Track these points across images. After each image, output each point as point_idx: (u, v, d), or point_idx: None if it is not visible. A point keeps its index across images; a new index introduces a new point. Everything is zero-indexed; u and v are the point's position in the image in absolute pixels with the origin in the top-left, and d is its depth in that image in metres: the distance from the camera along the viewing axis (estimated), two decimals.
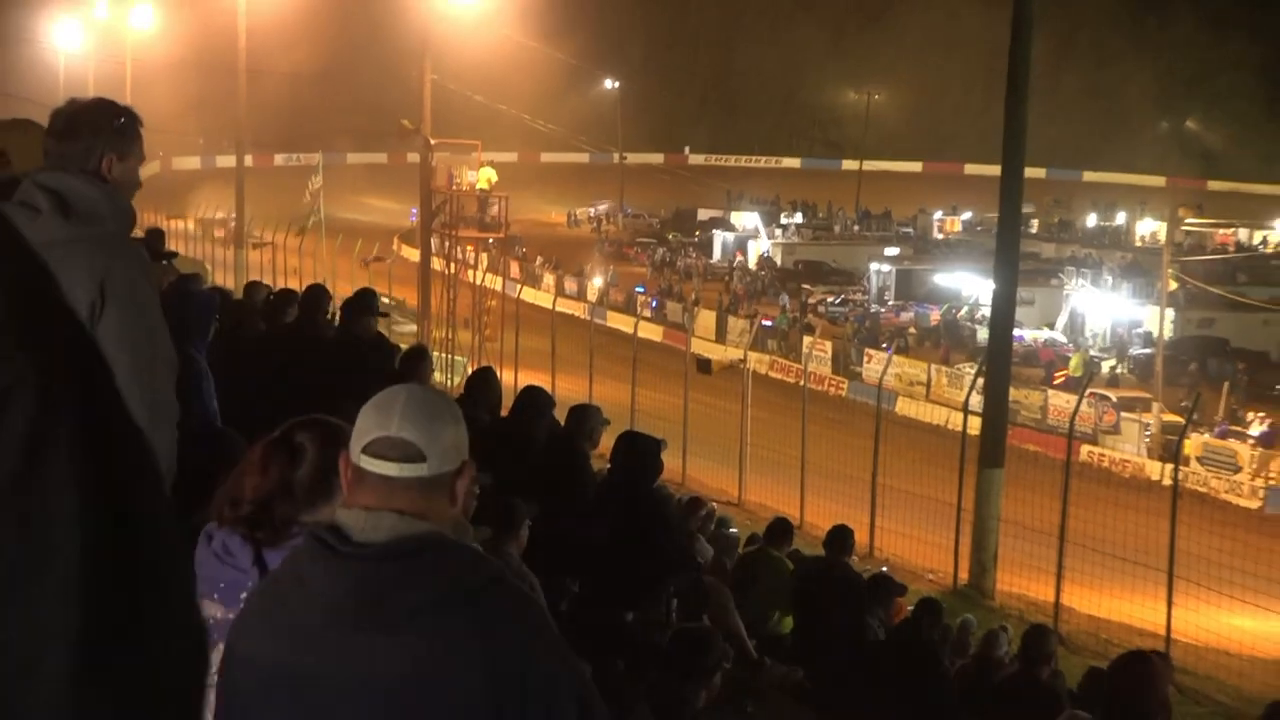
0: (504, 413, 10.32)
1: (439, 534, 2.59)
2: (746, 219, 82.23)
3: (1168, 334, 45.53)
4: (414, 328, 38.00)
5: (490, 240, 44.81)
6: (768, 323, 52.74)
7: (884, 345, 47.15)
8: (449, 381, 28.73)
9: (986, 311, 34.48)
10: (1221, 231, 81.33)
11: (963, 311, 57.27)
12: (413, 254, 50.62)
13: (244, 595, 3.12)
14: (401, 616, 2.52)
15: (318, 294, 11.24)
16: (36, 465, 1.18)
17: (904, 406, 38.69)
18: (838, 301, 61.86)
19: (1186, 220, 73.54)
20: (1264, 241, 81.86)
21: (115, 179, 4.19)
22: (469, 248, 42.69)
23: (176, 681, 1.28)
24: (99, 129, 4.21)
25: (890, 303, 61.54)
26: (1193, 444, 34.84)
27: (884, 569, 18.33)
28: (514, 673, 2.54)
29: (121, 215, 4.19)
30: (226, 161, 65.72)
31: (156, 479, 1.29)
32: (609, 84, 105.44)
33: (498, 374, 11.64)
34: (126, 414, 1.27)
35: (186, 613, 1.32)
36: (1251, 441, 38.12)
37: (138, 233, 11.79)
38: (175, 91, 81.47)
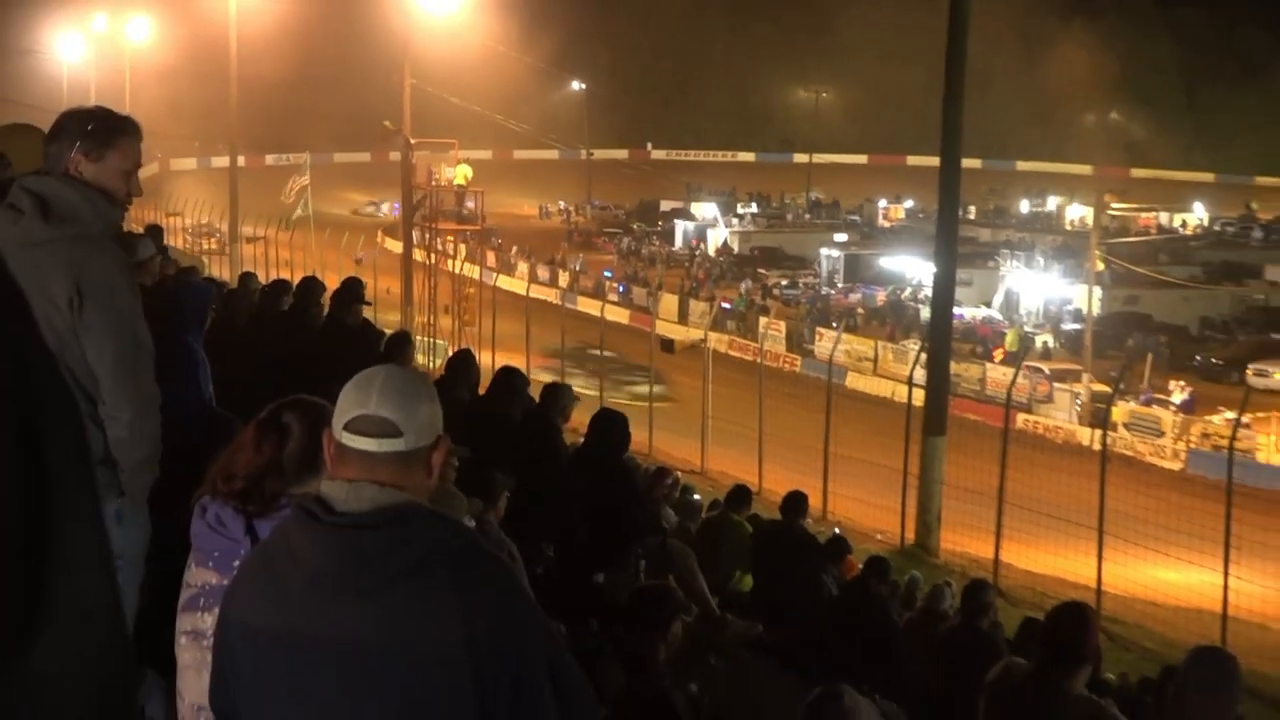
0: (482, 391, 10.30)
1: (416, 504, 2.59)
2: (706, 209, 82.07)
3: (1096, 311, 45.67)
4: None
5: (468, 232, 44.62)
6: (726, 305, 52.66)
7: (834, 324, 47.06)
8: (431, 363, 28.64)
9: (928, 292, 34.52)
10: (1144, 215, 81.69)
11: (906, 292, 57.37)
12: (396, 246, 50.35)
13: (236, 563, 3.10)
14: (382, 581, 2.51)
15: (311, 284, 11.17)
16: None
17: (853, 381, 38.76)
18: (791, 285, 61.97)
19: (1112, 205, 73.79)
20: (1183, 224, 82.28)
21: (89, 179, 4.14)
22: (448, 239, 42.46)
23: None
24: (70, 133, 4.18)
25: (840, 285, 61.67)
26: (1120, 411, 35.00)
27: (836, 530, 18.41)
28: (489, 635, 2.53)
29: (100, 216, 4.14)
30: (221, 162, 65.25)
31: (89, 508, 1.18)
32: (576, 86, 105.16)
33: (476, 356, 11.60)
34: (77, 441, 1.19)
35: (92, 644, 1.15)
36: (1173, 408, 38.34)
37: (138, 228, 11.69)
38: (171, 97, 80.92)
